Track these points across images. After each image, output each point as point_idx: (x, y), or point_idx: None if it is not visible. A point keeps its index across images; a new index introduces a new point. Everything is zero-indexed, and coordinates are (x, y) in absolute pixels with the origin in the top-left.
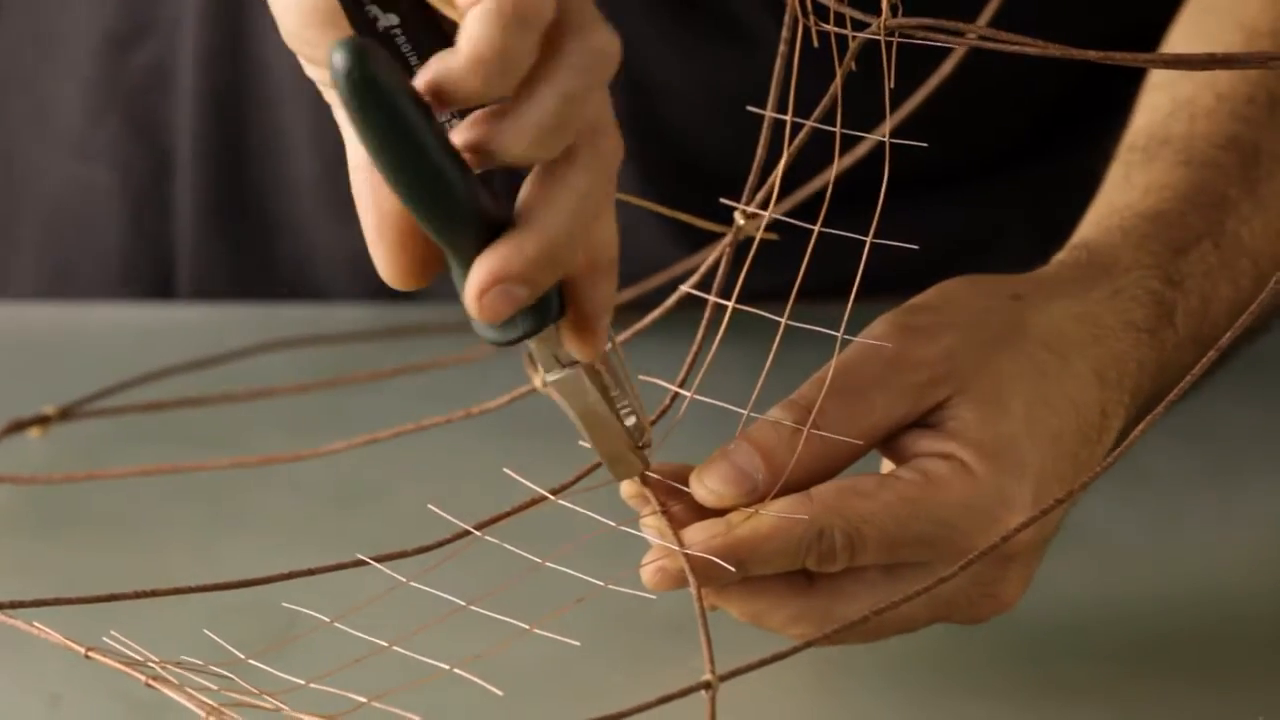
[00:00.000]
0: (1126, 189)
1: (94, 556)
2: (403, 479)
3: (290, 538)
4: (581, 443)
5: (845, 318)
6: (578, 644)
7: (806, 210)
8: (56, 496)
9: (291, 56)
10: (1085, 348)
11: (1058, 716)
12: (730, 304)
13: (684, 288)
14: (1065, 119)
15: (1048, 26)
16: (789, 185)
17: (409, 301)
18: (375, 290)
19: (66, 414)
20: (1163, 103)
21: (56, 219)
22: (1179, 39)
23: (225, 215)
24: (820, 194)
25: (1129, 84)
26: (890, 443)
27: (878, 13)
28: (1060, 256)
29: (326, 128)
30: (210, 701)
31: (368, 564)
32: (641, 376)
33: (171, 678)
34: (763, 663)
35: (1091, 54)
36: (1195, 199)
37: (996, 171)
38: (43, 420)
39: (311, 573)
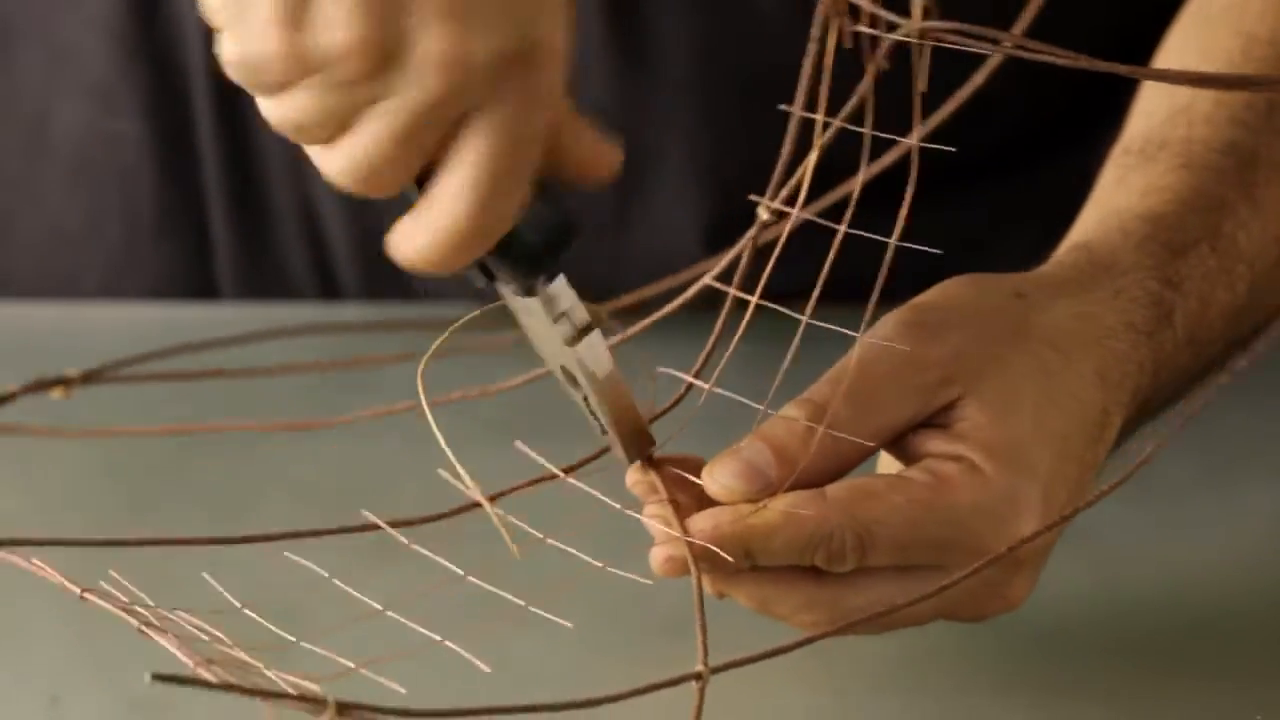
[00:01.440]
0: (1124, 191)
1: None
2: (408, 477)
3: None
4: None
5: (865, 319)
6: (570, 625)
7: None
8: (63, 487)
9: None
10: (1088, 347)
11: (1057, 716)
12: (753, 299)
13: (706, 278)
14: (1066, 119)
15: (1042, 22)
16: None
17: (421, 300)
18: (387, 279)
19: (89, 378)
20: (1159, 108)
21: (87, 169)
22: (1176, 45)
23: (242, 198)
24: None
25: (1129, 86)
26: (899, 442)
27: (908, 13)
28: (1060, 256)
29: None
30: (199, 654)
31: (375, 529)
32: (659, 369)
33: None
34: (756, 658)
35: (1121, 68)
36: (1193, 202)
37: (998, 171)
38: (66, 382)
39: (317, 534)
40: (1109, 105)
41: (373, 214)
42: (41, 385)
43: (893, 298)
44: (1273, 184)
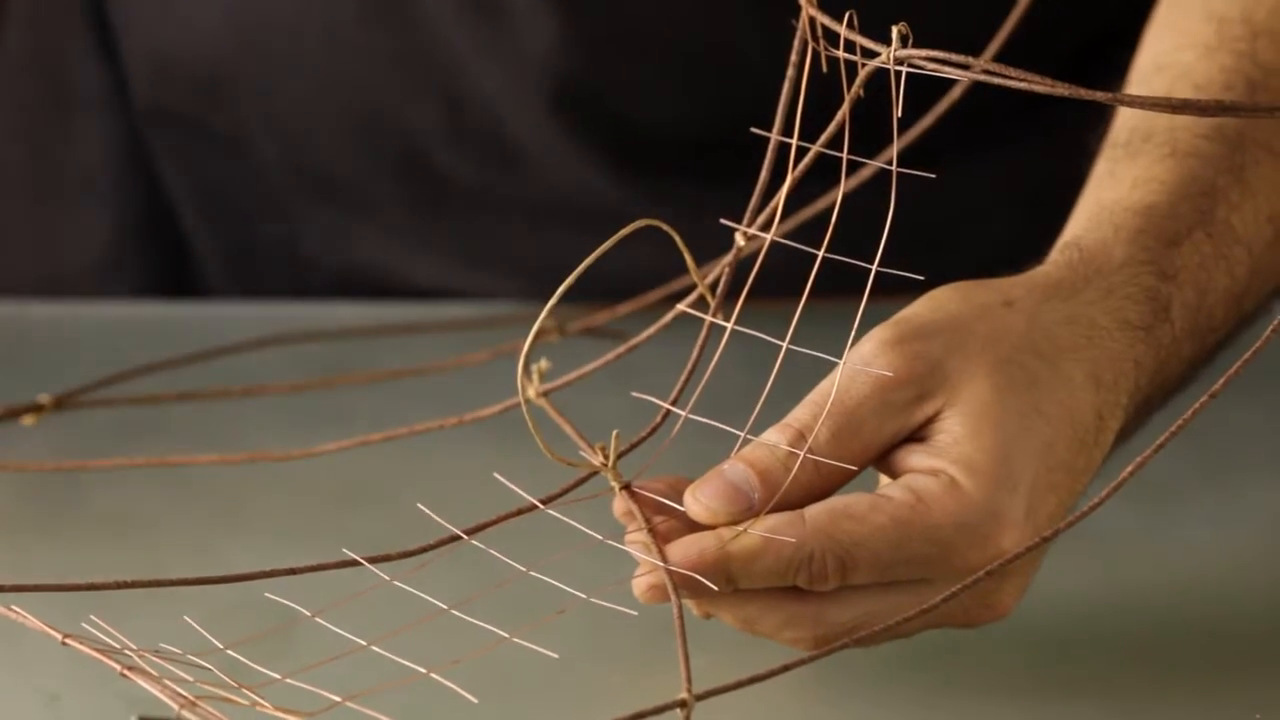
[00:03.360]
0: (1114, 184)
1: (88, 557)
2: (403, 481)
3: (288, 539)
4: (581, 453)
5: (850, 340)
6: (555, 656)
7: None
8: (51, 495)
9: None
10: (1079, 351)
11: (1056, 715)
12: (729, 325)
13: (680, 306)
14: (1052, 99)
15: (1030, 19)
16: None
17: (404, 300)
18: (362, 270)
19: (61, 403)
20: None
21: (51, 172)
22: (1153, 38)
23: (204, 196)
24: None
25: (1113, 73)
26: (884, 458)
27: (886, 37)
28: (1053, 256)
29: (283, 115)
30: (185, 694)
31: (353, 565)
32: (634, 394)
33: (150, 667)
34: (740, 684)
35: (1100, 95)
36: (1184, 189)
37: (984, 151)
38: (37, 408)
39: (293, 571)
40: (1107, 79)
41: (353, 232)
42: (13, 412)
43: (884, 289)
44: (1262, 164)
